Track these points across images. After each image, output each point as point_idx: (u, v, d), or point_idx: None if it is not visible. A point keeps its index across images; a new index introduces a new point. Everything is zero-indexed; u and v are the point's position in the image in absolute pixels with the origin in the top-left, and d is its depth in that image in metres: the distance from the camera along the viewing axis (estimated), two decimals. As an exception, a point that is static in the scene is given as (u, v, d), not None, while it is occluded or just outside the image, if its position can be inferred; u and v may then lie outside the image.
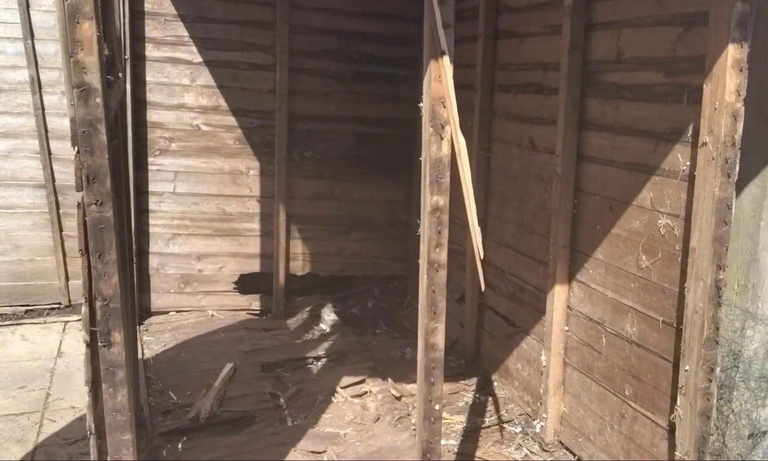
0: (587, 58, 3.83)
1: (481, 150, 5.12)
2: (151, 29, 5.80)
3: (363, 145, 6.51)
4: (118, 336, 2.51)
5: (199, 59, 5.94)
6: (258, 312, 6.56)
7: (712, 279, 2.98)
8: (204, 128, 6.12)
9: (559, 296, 4.24)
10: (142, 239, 6.25)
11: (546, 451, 4.39)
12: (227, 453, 4.15)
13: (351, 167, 6.53)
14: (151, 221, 6.23)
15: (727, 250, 2.92)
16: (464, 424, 4.64)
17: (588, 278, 4.05)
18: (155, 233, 6.28)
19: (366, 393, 5.05)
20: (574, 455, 4.26)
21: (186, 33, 5.86)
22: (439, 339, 3.15)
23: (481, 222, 5.34)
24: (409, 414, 4.68)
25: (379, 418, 4.68)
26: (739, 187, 3.42)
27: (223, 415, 4.57)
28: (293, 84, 6.15)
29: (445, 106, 2.97)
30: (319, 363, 5.53)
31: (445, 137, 3.00)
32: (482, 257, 3.18)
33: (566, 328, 4.29)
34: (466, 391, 5.13)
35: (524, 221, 4.74)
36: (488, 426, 4.62)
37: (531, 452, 4.37)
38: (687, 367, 3.21)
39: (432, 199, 3.07)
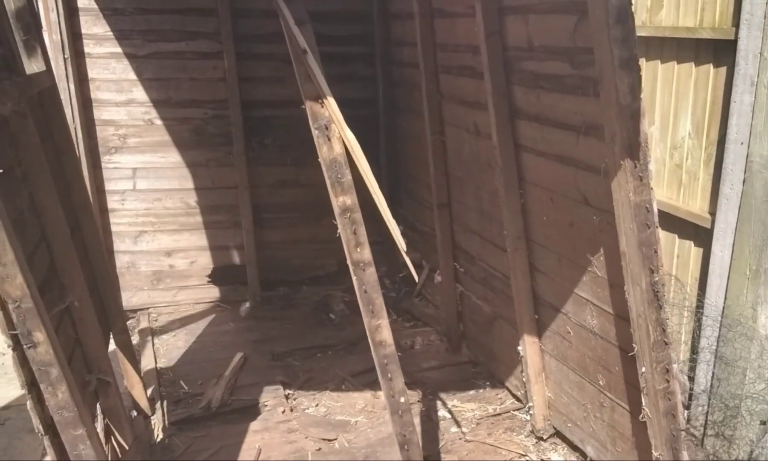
0: (506, 45, 3.53)
1: (434, 134, 4.85)
2: (90, 25, 5.54)
3: (324, 127, 6.25)
4: (40, 336, 2.50)
5: (144, 52, 5.69)
6: (234, 302, 6.41)
7: (646, 284, 2.77)
8: (157, 122, 5.91)
9: (522, 286, 4.06)
10: (107, 239, 6.13)
11: (538, 437, 4.30)
12: (238, 440, 4.19)
13: (314, 151, 6.24)
14: (115, 220, 6.11)
15: (656, 252, 2.67)
16: (475, 412, 4.60)
17: (546, 268, 3.86)
18: (120, 232, 6.16)
19: (376, 380, 4.97)
20: (567, 440, 4.17)
21: (127, 26, 5.60)
22: (386, 335, 3.12)
23: (446, 207, 5.15)
24: (419, 401, 4.68)
25: None
26: (751, 171, 3.23)
27: (234, 403, 4.61)
28: (244, 70, 5.89)
29: (323, 105, 2.83)
30: (329, 352, 5.47)
31: (333, 136, 2.89)
32: (405, 249, 3.16)
33: (537, 316, 4.12)
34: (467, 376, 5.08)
35: (483, 208, 4.51)
36: (499, 414, 4.57)
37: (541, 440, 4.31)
38: (643, 369, 3.05)
39: (339, 200, 2.97)
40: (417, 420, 4.39)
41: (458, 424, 4.46)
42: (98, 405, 3.64)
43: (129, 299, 6.33)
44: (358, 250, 3.05)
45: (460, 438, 4.32)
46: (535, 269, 3.93)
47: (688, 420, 4.26)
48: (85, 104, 5.64)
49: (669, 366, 2.87)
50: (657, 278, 2.69)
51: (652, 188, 2.57)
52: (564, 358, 3.91)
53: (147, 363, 5.27)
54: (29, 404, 2.57)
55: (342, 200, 2.97)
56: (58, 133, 4.05)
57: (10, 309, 2.46)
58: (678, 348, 4.23)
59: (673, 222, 3.90)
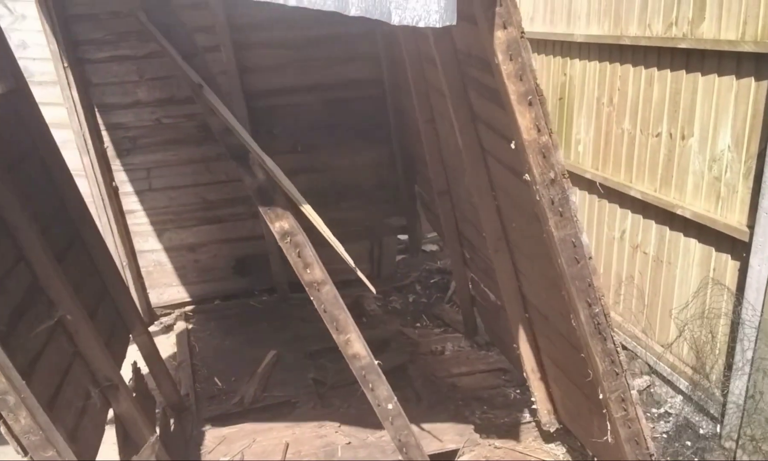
0: (456, 48, 3.15)
1: (425, 122, 4.53)
2: (88, 31, 5.52)
3: (332, 112, 6.03)
4: None
5: (143, 52, 5.63)
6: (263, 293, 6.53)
7: (585, 317, 2.49)
8: (165, 120, 5.89)
9: (509, 285, 3.82)
10: (130, 240, 6.26)
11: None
12: (270, 435, 4.27)
13: (325, 136, 6.09)
14: (136, 221, 6.21)
15: (591, 285, 2.34)
16: (505, 419, 4.54)
17: (525, 271, 3.57)
18: (142, 232, 6.27)
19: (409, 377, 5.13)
20: (574, 436, 4.08)
21: (124, 28, 5.54)
22: (357, 348, 3.15)
23: (446, 194, 4.88)
24: (448, 397, 4.72)
25: (420, 400, 4.72)
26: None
27: (266, 400, 4.70)
28: (243, 61, 5.74)
29: (233, 134, 2.67)
30: None
31: (253, 164, 2.73)
32: (353, 265, 3.08)
33: (527, 314, 3.88)
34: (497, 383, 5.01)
35: (473, 199, 4.18)
36: (529, 422, 4.47)
37: (572, 448, 4.20)
38: (601, 395, 2.83)
39: (276, 227, 2.83)
40: (446, 426, 4.34)
41: (488, 431, 4.35)
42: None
43: (159, 296, 6.50)
44: (308, 271, 2.98)
45: (490, 445, 4.22)
46: (518, 271, 3.63)
47: (720, 436, 4.06)
48: (92, 110, 5.67)
49: (624, 395, 2.68)
50: (597, 310, 2.40)
51: (576, 220, 2.23)
52: (554, 358, 3.68)
53: (182, 359, 5.41)
54: (2, 429, 2.62)
55: (279, 226, 2.84)
56: (43, 147, 4.06)
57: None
58: (714, 361, 4.10)
59: (710, 235, 4.02)
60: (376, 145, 6.17)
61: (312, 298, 3.04)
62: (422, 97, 4.44)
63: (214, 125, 2.77)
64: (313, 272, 2.92)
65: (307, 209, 2.79)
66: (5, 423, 2.58)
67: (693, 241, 4.23)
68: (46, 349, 3.23)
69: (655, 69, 4.47)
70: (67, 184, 4.22)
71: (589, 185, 5.52)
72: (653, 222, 4.70)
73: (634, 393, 2.61)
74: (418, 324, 5.99)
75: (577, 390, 3.46)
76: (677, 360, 4.61)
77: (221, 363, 5.27)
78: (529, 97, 2.08)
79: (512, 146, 2.24)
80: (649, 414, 4.59)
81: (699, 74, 3.93)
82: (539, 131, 2.11)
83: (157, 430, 4.05)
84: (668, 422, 4.49)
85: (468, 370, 5.11)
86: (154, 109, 5.84)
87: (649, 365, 4.92)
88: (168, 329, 6.22)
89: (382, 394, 3.12)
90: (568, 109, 5.69)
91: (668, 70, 4.29)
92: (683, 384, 4.44)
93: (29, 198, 3.58)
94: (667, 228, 4.55)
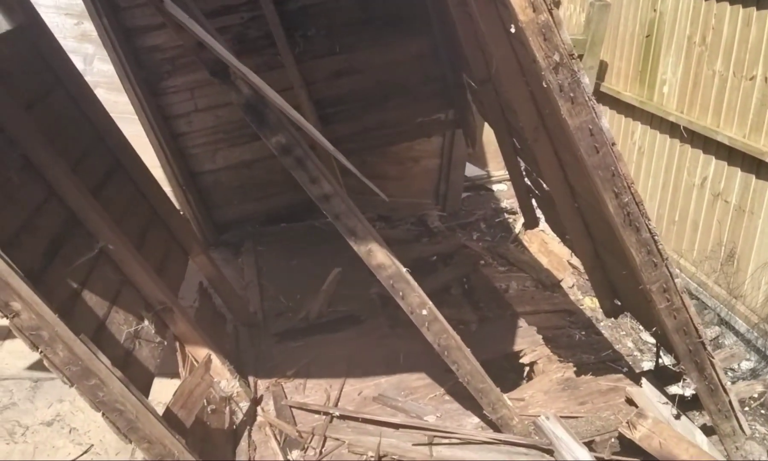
0: None
1: (457, 6, 4.17)
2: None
3: (366, 6, 5.67)
4: (17, 304, 2.53)
5: (166, -32, 5.43)
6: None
7: (614, 207, 2.33)
8: (200, 37, 5.75)
9: (554, 176, 3.54)
10: (190, 162, 6.33)
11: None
12: (333, 348, 4.42)
13: (362, 33, 5.77)
14: (189, 143, 6.24)
15: (615, 174, 2.11)
16: (569, 360, 4.38)
17: (567, 160, 3.25)
18: (198, 154, 6.31)
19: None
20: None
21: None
22: (381, 258, 2.98)
23: (488, 82, 4.55)
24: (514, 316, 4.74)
25: (480, 309, 4.89)
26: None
27: (331, 315, 4.85)
28: (266, -38, 5.43)
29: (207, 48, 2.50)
30: (427, 265, 5.55)
31: (236, 79, 2.62)
32: (359, 175, 3.02)
33: (576, 205, 3.59)
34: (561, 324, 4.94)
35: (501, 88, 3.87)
36: (593, 363, 4.29)
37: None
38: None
39: (273, 142, 2.86)
40: (507, 332, 4.32)
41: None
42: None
43: (224, 215, 6.61)
44: (315, 185, 2.86)
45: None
46: (561, 160, 3.35)
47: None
48: (126, 35, 5.60)
49: (667, 284, 2.48)
50: (627, 200, 2.15)
51: (592, 104, 1.93)
52: (609, 248, 3.44)
53: (249, 279, 5.55)
54: (45, 362, 2.70)
55: (276, 141, 2.71)
56: (69, 84, 4.05)
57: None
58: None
59: None
60: (417, 36, 5.80)
61: (325, 212, 2.95)
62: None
63: (185, 41, 2.59)
64: (320, 186, 2.79)
65: (299, 119, 2.61)
66: (46, 357, 2.66)
67: (780, 191, 3.96)
68: (89, 280, 3.32)
69: (754, 9, 4.24)
70: (98, 114, 4.21)
71: (671, 129, 5.34)
72: (738, 170, 4.57)
73: (678, 281, 2.36)
74: (482, 262, 5.86)
75: (632, 277, 3.23)
76: (750, 311, 4.50)
77: (287, 282, 5.37)
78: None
79: (512, 29, 1.95)
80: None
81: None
82: (535, 9, 1.81)
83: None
84: (736, 373, 4.44)
85: (532, 309, 5.01)
86: (187, 27, 5.69)
87: (719, 316, 4.78)
88: (237, 249, 6.36)
89: (414, 301, 3.01)
90: (656, 47, 5.47)
91: None
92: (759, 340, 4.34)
93: (58, 133, 3.60)
94: (753, 176, 4.41)
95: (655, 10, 5.40)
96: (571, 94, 1.96)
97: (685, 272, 5.19)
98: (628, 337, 5.01)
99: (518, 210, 6.01)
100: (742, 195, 4.54)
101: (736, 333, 4.65)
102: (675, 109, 5.24)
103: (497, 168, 7.59)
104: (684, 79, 5.09)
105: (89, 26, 5.58)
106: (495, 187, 7.70)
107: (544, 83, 1.96)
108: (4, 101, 3.20)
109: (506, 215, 6.96)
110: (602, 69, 6.29)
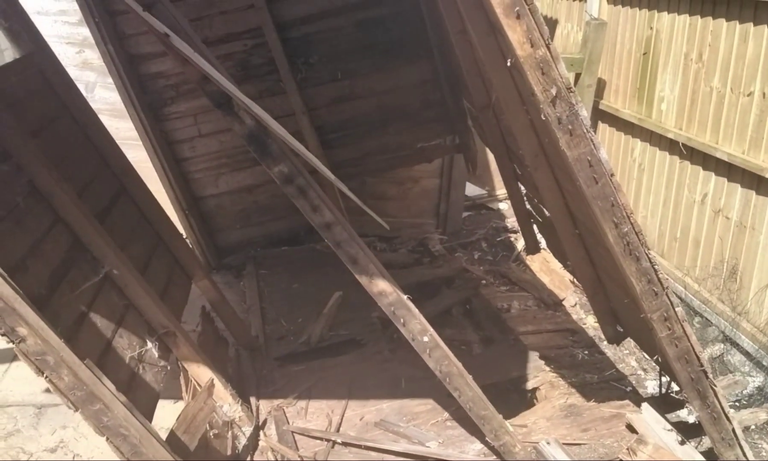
0: None
1: (457, 34, 4.24)
2: (112, -18, 5.48)
3: (367, 33, 5.75)
4: (23, 330, 2.56)
5: (170, -4, 5.52)
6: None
7: (613, 237, 2.33)
8: (204, 64, 5.83)
9: (555, 203, 3.56)
10: (193, 186, 6.38)
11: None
12: (335, 372, 4.41)
13: (363, 59, 5.85)
14: (193, 168, 6.30)
15: (614, 204, 2.14)
16: (572, 379, 4.38)
17: (567, 187, 3.30)
18: (201, 178, 6.36)
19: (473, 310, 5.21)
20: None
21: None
22: (382, 285, 3.00)
23: (488, 108, 4.59)
24: (516, 340, 4.75)
25: (483, 331, 4.85)
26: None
27: (332, 339, 4.83)
28: (269, -10, 5.53)
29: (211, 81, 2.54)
30: (426, 289, 5.50)
31: (239, 110, 2.65)
32: (358, 202, 2.79)
33: (577, 231, 3.60)
34: (564, 343, 4.91)
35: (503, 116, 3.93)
36: (597, 383, 4.28)
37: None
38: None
39: (275, 172, 2.85)
40: (509, 357, 4.32)
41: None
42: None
43: (226, 238, 6.64)
44: (317, 214, 2.87)
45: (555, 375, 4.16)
46: (562, 187, 3.38)
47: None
48: (131, 62, 5.68)
49: (667, 313, 2.50)
50: (626, 230, 2.17)
51: (590, 136, 1.98)
52: (609, 274, 3.45)
53: (251, 303, 5.57)
54: (51, 387, 2.71)
55: (278, 170, 2.73)
56: (75, 110, 4.11)
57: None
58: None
59: None
60: (418, 62, 5.88)
61: (326, 240, 2.95)
62: (450, 6, 4.13)
63: (191, 75, 2.64)
64: (322, 214, 2.81)
65: (300, 148, 2.63)
66: (51, 382, 2.69)
67: (780, 206, 4.00)
68: (94, 305, 3.35)
69: (751, 24, 4.24)
70: (104, 140, 4.27)
71: (670, 145, 5.35)
72: (738, 186, 4.57)
73: (679, 310, 2.39)
74: (484, 281, 5.87)
75: (634, 305, 3.25)
76: (755, 329, 4.48)
77: (288, 305, 5.38)
78: (517, 8, 1.81)
79: (508, 63, 2.00)
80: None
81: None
82: (533, 44, 1.85)
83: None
84: (744, 390, 4.42)
85: (534, 329, 5.00)
86: (191, 54, 5.77)
87: (723, 333, 4.77)
88: (239, 272, 6.38)
89: (415, 328, 3.02)
90: (653, 64, 5.49)
91: (765, 26, 4.07)
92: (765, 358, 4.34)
93: (63, 159, 3.65)
94: (754, 192, 4.42)
95: (651, 28, 5.42)
96: (570, 127, 1.99)
97: (688, 289, 5.18)
98: (632, 356, 4.98)
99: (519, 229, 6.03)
100: (743, 211, 4.54)
101: (741, 351, 4.63)
102: (673, 126, 5.24)
103: (497, 187, 7.61)
104: (682, 96, 5.10)
105: (90, 54, 5.67)
106: (495, 206, 7.74)
107: (542, 116, 2.00)
108: (11, 128, 3.26)
109: (507, 234, 6.98)
110: (600, 87, 6.33)
